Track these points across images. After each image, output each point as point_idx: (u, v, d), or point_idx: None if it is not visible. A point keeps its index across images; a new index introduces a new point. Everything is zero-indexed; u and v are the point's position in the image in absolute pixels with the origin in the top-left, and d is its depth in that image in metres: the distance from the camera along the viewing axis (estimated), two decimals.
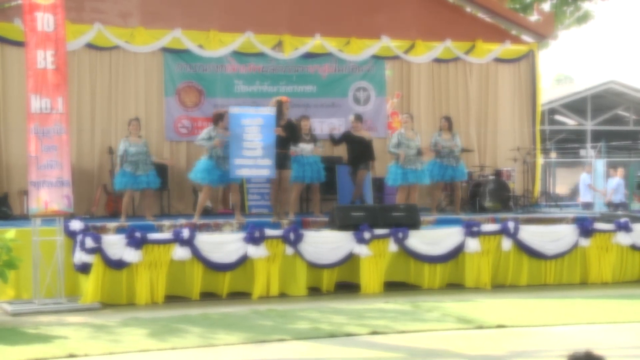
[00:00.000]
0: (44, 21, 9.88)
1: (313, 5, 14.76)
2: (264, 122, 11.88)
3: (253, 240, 10.59)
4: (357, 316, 9.20)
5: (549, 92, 29.78)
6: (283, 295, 10.77)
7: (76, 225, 10.29)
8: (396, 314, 9.39)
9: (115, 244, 10.16)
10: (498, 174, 14.92)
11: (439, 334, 8.29)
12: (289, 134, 12.18)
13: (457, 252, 11.49)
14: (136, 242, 10.13)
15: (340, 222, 11.29)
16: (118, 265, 10.12)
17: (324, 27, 14.65)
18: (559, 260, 11.86)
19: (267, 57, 14.52)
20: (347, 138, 13.49)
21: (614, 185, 19.26)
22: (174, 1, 14.16)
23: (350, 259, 11.11)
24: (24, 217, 11.61)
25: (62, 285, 9.91)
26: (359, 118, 13.63)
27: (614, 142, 28.21)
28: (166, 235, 10.61)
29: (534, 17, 17.61)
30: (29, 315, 9.40)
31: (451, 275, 11.57)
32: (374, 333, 8.23)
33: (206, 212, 12.70)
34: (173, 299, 10.40)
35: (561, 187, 26.62)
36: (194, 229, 10.79)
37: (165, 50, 14.04)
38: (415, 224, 11.54)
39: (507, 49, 15.83)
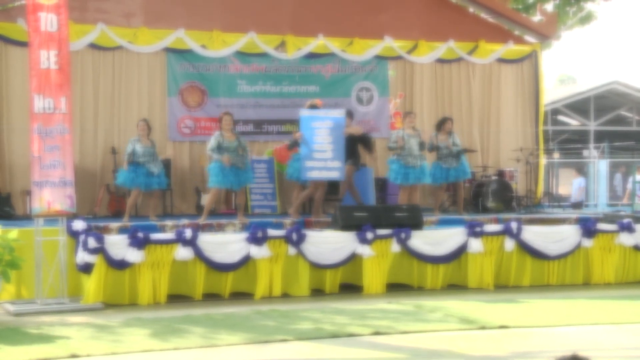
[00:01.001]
0: (47, 21, 9.89)
1: (316, 5, 14.76)
2: (333, 125, 12.10)
3: (256, 240, 10.59)
4: (359, 316, 9.20)
5: (552, 92, 29.75)
6: (285, 296, 10.77)
7: (79, 225, 10.29)
8: (399, 314, 9.39)
9: (117, 244, 10.17)
10: (501, 174, 14.91)
11: (441, 334, 8.29)
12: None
13: (459, 253, 11.48)
14: (139, 242, 10.13)
15: (343, 222, 11.29)
16: (120, 265, 10.12)
17: (327, 27, 14.66)
18: (561, 260, 11.85)
19: (270, 57, 14.52)
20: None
21: (578, 185, 19.24)
22: (177, 1, 14.16)
23: (353, 260, 11.11)
24: (27, 217, 11.63)
25: (65, 285, 9.92)
26: (349, 114, 13.14)
27: (617, 143, 28.17)
28: (169, 235, 10.61)
29: (536, 18, 17.58)
30: (32, 315, 9.41)
31: (454, 276, 11.56)
32: (377, 333, 8.23)
33: (209, 212, 12.66)
34: (175, 299, 10.41)
35: (564, 188, 26.60)
36: (197, 229, 10.79)
37: (168, 50, 14.05)
38: (418, 224, 11.53)
39: (510, 49, 15.82)
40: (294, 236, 10.81)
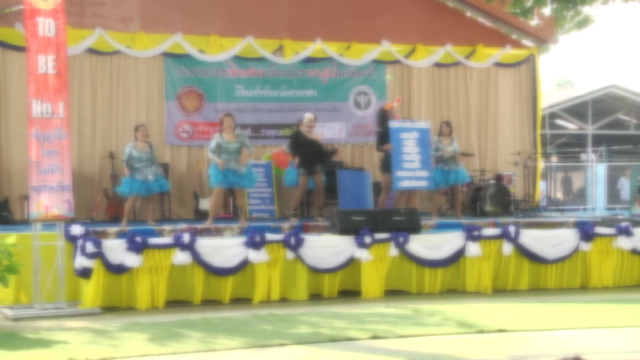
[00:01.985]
0: (45, 26, 9.89)
1: (314, 9, 14.79)
2: (419, 136, 12.47)
3: (254, 244, 10.59)
4: (357, 321, 9.19)
5: (550, 96, 29.80)
6: (284, 300, 10.77)
7: (77, 230, 10.29)
8: (397, 318, 9.38)
9: (115, 249, 10.16)
10: (499, 178, 14.93)
11: (439, 338, 8.28)
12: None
13: (457, 257, 11.48)
14: (137, 247, 10.13)
15: (341, 226, 11.29)
16: (118, 270, 10.12)
17: (324, 32, 14.69)
18: (559, 264, 11.85)
19: (268, 62, 14.54)
20: (299, 140, 12.88)
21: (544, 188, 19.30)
22: (175, 6, 14.19)
23: (351, 264, 11.11)
24: (25, 222, 11.62)
25: (63, 290, 9.91)
26: (316, 118, 13.14)
27: (614, 147, 28.21)
28: (167, 239, 10.60)
29: (534, 22, 17.66)
30: (30, 320, 9.40)
31: (452, 280, 11.56)
32: (375, 337, 8.23)
33: (215, 215, 12.59)
34: (174, 303, 10.40)
35: (562, 192, 26.64)
36: (195, 233, 10.79)
37: (166, 54, 14.07)
38: (416, 229, 11.54)
39: (508, 53, 15.86)
40: (292, 240, 10.81)
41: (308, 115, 12.98)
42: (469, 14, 16.32)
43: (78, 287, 10.23)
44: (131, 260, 10.11)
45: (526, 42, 16.34)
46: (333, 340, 8.15)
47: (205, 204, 13.30)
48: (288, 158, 13.50)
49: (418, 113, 15.28)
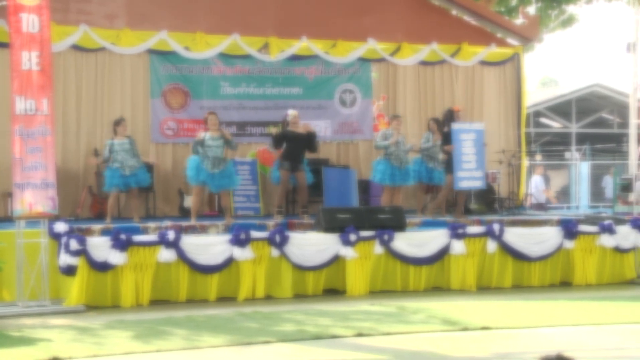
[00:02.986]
0: (29, 22, 9.84)
1: (299, 7, 14.77)
2: (476, 137, 12.83)
3: (239, 242, 10.58)
4: (342, 318, 9.21)
5: (534, 94, 29.90)
6: (269, 298, 10.77)
7: (61, 227, 10.25)
8: (381, 315, 9.41)
9: (100, 246, 10.13)
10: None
11: (424, 335, 8.31)
12: None
13: (442, 254, 11.52)
14: (121, 244, 10.10)
15: (326, 224, 11.30)
16: (103, 267, 10.09)
17: (310, 30, 14.67)
18: (543, 262, 11.91)
19: (254, 59, 14.51)
20: (286, 136, 12.79)
21: (535, 185, 19.35)
22: (160, 3, 14.13)
23: (336, 261, 11.12)
24: (8, 219, 11.55)
25: (47, 288, 9.87)
26: (298, 115, 13.04)
27: (598, 145, 28.36)
28: (151, 237, 10.58)
29: (519, 20, 17.72)
30: (13, 318, 9.35)
31: (436, 278, 11.59)
32: (360, 335, 8.25)
33: (197, 213, 12.53)
34: (158, 301, 10.37)
35: (546, 190, 26.74)
36: (180, 230, 10.77)
37: (152, 51, 14.02)
38: (400, 226, 11.56)
39: (493, 51, 15.90)
40: (277, 238, 10.81)
41: (292, 112, 12.96)
42: (454, 12, 16.35)
43: (62, 284, 10.19)
44: (116, 257, 10.08)
45: (511, 40, 16.39)
46: (318, 337, 8.17)
47: (190, 201, 13.27)
48: (273, 156, 13.48)
49: (403, 111, 15.29)
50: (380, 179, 13.10)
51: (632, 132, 13.69)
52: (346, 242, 11.06)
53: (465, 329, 8.58)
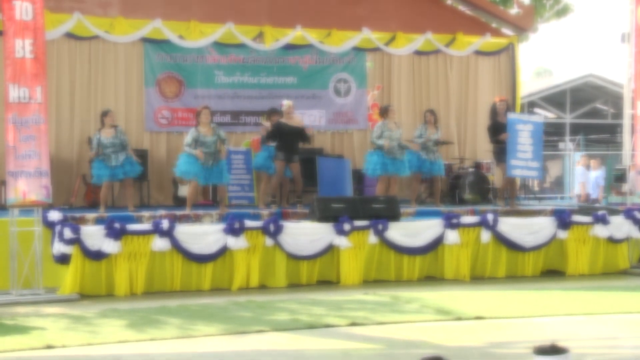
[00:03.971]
0: (23, 10, 9.79)
1: None
2: (533, 128, 13.07)
3: (233, 231, 10.58)
4: (336, 307, 9.22)
5: (529, 85, 29.93)
6: (263, 287, 10.77)
7: (55, 215, 10.23)
8: (375, 305, 9.42)
9: (94, 235, 10.11)
10: (478, 166, 14.98)
11: (417, 325, 8.33)
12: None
13: (436, 244, 11.53)
14: (115, 233, 10.08)
15: (320, 213, 11.30)
16: (97, 256, 10.08)
17: (305, 19, 14.63)
18: (537, 252, 11.93)
19: (248, 48, 14.48)
20: (280, 129, 12.70)
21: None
22: None
23: (330, 251, 11.12)
24: (2, 208, 11.51)
25: (40, 276, 9.85)
26: (293, 105, 13.03)
27: (592, 135, 28.41)
28: (145, 226, 10.57)
29: (514, 10, 17.67)
30: (6, 307, 9.34)
31: (430, 267, 11.61)
32: (353, 324, 8.26)
33: (192, 203, 12.49)
34: (153, 290, 10.36)
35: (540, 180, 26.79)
36: (174, 220, 10.76)
37: (146, 40, 13.97)
38: (395, 216, 11.57)
39: (487, 41, 15.88)
40: (271, 227, 10.81)
41: (287, 102, 12.94)
42: (449, 2, 16.34)
43: (56, 273, 10.17)
44: (110, 246, 10.07)
45: (506, 30, 16.37)
46: (311, 327, 8.17)
47: (184, 190, 13.24)
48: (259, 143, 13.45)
49: (398, 101, 15.29)
50: (372, 170, 13.09)
51: (626, 122, 13.68)
52: (340, 232, 11.06)
53: (459, 318, 8.60)
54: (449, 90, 15.80)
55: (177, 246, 10.41)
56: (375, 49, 15.28)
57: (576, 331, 8.04)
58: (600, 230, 12.11)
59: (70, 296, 9.84)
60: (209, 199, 13.67)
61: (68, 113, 13.57)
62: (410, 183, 14.10)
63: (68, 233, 9.93)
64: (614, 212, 12.58)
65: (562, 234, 11.98)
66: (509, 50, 16.16)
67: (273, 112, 13.17)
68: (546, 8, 21.22)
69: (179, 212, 11.65)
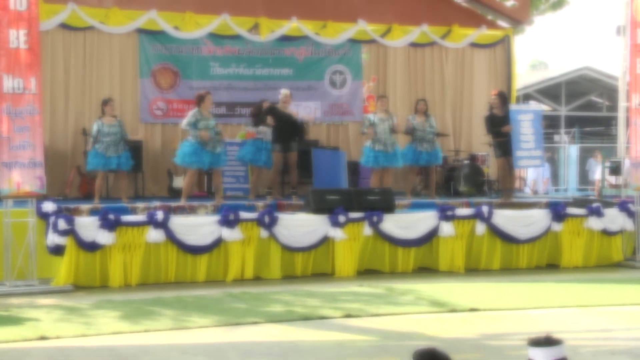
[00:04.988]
0: (17, 0, 9.74)
1: None
2: (534, 117, 13.16)
3: (227, 223, 10.56)
4: (331, 299, 9.23)
5: (524, 77, 29.92)
6: (257, 279, 10.77)
7: (49, 206, 10.20)
8: (370, 297, 9.43)
9: (88, 226, 10.09)
10: (473, 158, 14.99)
11: (412, 317, 8.34)
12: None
13: (431, 236, 11.54)
14: (109, 224, 10.07)
15: (315, 205, 11.30)
16: (91, 247, 10.06)
17: (300, 10, 14.59)
18: (531, 244, 11.95)
19: (244, 40, 14.44)
20: (273, 113, 12.64)
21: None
22: None
23: (325, 243, 11.12)
24: None
25: (34, 267, 9.83)
26: (291, 94, 13.10)
27: (587, 128, 28.43)
28: (140, 217, 10.56)
29: (509, 3, 17.65)
30: (0, 298, 9.32)
31: (425, 259, 11.62)
32: (348, 316, 8.27)
33: (188, 194, 12.47)
34: (147, 281, 10.35)
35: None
36: (168, 211, 10.75)
37: (141, 31, 13.92)
38: (390, 208, 11.57)
39: (483, 34, 15.86)
40: (266, 219, 10.80)
41: (284, 91, 12.95)
42: None
43: (50, 264, 10.15)
44: (104, 237, 10.05)
45: (501, 23, 16.36)
46: (306, 318, 8.18)
47: (179, 181, 13.24)
48: (249, 135, 13.39)
49: (393, 93, 15.27)
50: (365, 161, 13.15)
51: (621, 115, 13.68)
52: (335, 224, 11.06)
53: (454, 310, 8.62)
54: (444, 82, 15.78)
55: (171, 237, 10.40)
56: (371, 41, 15.26)
57: (570, 323, 8.07)
58: (594, 223, 12.13)
59: (64, 287, 9.83)
60: (204, 191, 13.65)
61: (62, 104, 13.53)
62: (405, 175, 14.10)
63: (62, 224, 9.91)
64: (608, 204, 12.60)
65: (557, 227, 11.99)
66: (504, 43, 16.15)
67: (263, 101, 13.19)
68: (542, 0, 21.20)
69: (173, 204, 11.64)
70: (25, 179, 9.78)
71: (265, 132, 12.82)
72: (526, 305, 8.99)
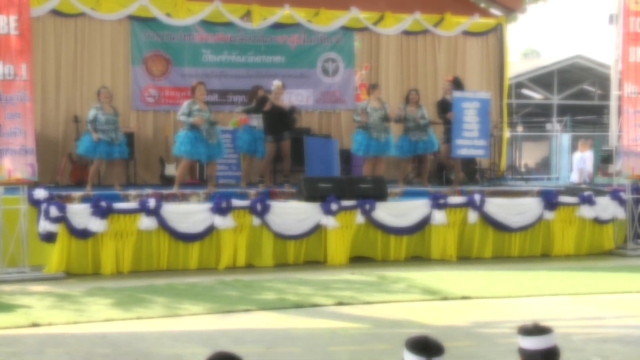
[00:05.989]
0: None
1: None
2: (480, 105, 13.01)
3: (220, 210, 10.55)
4: (323, 287, 9.24)
5: (516, 66, 29.91)
6: (249, 266, 10.77)
7: (40, 193, 10.16)
8: (362, 285, 9.44)
9: (80, 213, 10.07)
10: None
11: (404, 304, 8.36)
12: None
13: (423, 224, 11.55)
14: (101, 212, 10.04)
15: (308, 193, 11.29)
16: (83, 234, 10.03)
17: None
18: (523, 232, 11.97)
19: (236, 27, 14.38)
20: (265, 102, 12.59)
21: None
22: None
23: (317, 231, 11.12)
24: None
25: (26, 255, 9.81)
26: (284, 86, 13.08)
27: (579, 117, 28.48)
28: (132, 204, 10.53)
29: None
30: None
31: (417, 247, 11.63)
32: (340, 304, 8.28)
33: (181, 183, 12.42)
34: (139, 269, 10.34)
35: (527, 161, 26.88)
36: (160, 198, 10.72)
37: (132, 18, 13.85)
38: (382, 196, 11.57)
39: (476, 22, 15.84)
40: (259, 207, 10.79)
41: (276, 83, 12.90)
42: None
43: (42, 251, 10.12)
44: (96, 225, 10.02)
45: (494, 11, 16.34)
46: (298, 306, 8.19)
47: (171, 169, 13.21)
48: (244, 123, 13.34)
49: (386, 81, 15.25)
50: (357, 149, 13.12)
51: (613, 104, 13.72)
52: (327, 212, 11.06)
53: (445, 298, 8.64)
54: (436, 70, 15.76)
55: (163, 225, 10.38)
56: (364, 29, 15.22)
57: (562, 311, 8.10)
58: (586, 211, 12.16)
59: (56, 274, 9.81)
60: (196, 178, 13.63)
61: (54, 91, 13.47)
62: (398, 163, 14.09)
63: (54, 211, 9.88)
64: (600, 193, 12.63)
65: (549, 215, 12.01)
66: (497, 31, 16.14)
67: (258, 88, 13.14)
68: None
69: (165, 191, 11.61)
70: (16, 165, 9.74)
71: (259, 119, 12.78)
72: (518, 293, 9.02)
